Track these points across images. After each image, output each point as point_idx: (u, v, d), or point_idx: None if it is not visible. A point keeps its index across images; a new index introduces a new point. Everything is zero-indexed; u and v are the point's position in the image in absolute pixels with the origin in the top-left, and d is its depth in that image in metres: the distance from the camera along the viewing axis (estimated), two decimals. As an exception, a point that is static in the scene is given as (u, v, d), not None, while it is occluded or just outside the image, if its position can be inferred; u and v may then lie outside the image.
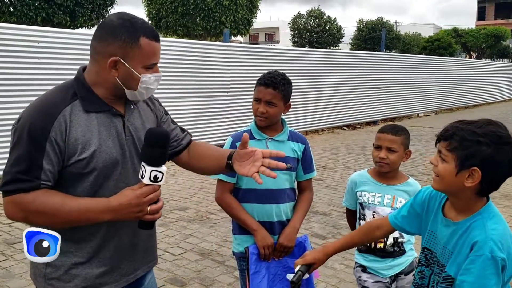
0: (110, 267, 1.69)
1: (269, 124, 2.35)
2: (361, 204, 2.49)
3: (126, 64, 1.55)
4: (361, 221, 2.49)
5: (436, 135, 1.60)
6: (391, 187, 2.45)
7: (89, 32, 9.64)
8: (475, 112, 17.67)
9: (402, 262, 2.44)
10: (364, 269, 2.48)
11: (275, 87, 2.27)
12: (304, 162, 2.45)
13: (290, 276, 1.81)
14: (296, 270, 1.81)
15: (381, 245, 2.41)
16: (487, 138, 1.46)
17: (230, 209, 2.37)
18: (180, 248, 4.45)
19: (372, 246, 2.43)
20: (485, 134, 1.47)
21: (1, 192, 1.52)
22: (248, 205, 2.36)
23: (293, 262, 2.34)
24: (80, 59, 6.92)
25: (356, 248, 2.52)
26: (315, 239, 4.71)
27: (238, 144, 2.32)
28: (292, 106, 2.48)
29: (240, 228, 2.39)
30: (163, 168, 1.53)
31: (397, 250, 2.43)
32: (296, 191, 2.51)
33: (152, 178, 1.50)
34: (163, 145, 1.54)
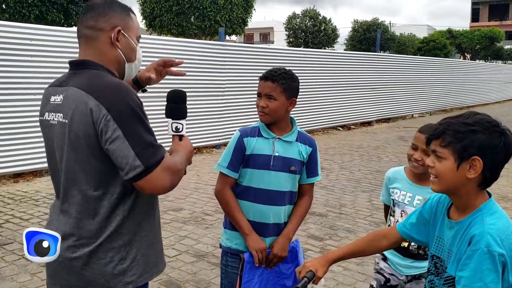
0: (161, 246, 1.87)
1: (271, 121, 2.29)
2: (393, 200, 2.46)
3: (126, 34, 1.69)
4: (391, 217, 2.47)
5: (426, 137, 1.60)
6: (424, 188, 2.35)
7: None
8: (469, 113, 17.69)
9: (424, 266, 2.33)
10: (384, 258, 2.46)
11: (274, 80, 2.23)
12: (309, 166, 2.38)
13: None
14: (301, 276, 1.78)
15: (406, 244, 2.35)
16: (480, 126, 1.47)
17: (227, 205, 2.32)
18: (175, 250, 4.39)
19: None
20: (477, 122, 1.48)
21: (147, 168, 1.50)
22: (245, 202, 2.30)
23: (285, 268, 2.33)
24: (74, 57, 6.81)
25: None
26: (312, 240, 4.67)
27: (245, 139, 2.29)
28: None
29: (232, 223, 2.35)
30: None
31: (422, 253, 2.36)
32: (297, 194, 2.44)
33: (185, 130, 1.81)
34: (186, 100, 1.84)
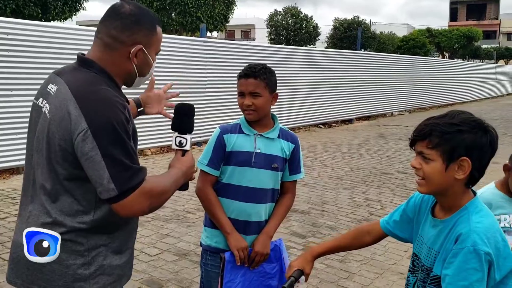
0: (130, 256, 1.74)
1: (258, 118, 2.25)
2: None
3: (146, 52, 1.63)
4: None
5: (410, 138, 1.56)
6: None
7: (61, 25, 9.36)
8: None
9: None
10: None
11: (256, 76, 2.20)
12: (292, 163, 2.35)
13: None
14: (287, 276, 1.76)
15: None
16: (466, 126, 1.46)
17: (208, 204, 2.27)
18: (156, 249, 4.33)
19: None
20: (463, 122, 1.46)
21: (122, 193, 1.44)
22: (226, 200, 2.27)
23: (269, 267, 2.30)
24: (52, 52, 6.70)
25: None
26: (295, 238, 4.66)
27: (225, 136, 2.25)
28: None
29: (213, 221, 2.31)
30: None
31: None
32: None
33: (190, 145, 1.75)
34: (194, 114, 1.79)
